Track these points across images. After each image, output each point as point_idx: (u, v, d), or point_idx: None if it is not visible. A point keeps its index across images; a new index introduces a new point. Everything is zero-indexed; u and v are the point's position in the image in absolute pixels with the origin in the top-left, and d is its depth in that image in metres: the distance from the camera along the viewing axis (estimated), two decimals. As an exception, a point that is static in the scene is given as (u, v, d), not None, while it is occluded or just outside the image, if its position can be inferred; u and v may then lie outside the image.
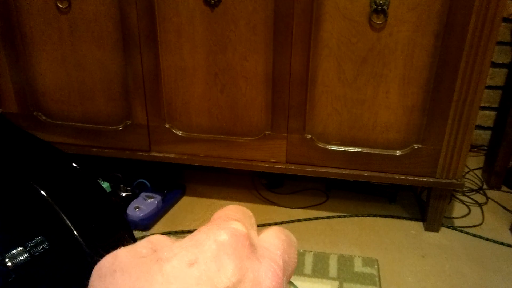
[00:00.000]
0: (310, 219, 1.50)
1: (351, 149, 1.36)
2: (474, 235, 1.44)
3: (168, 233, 1.40)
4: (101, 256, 0.20)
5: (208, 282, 0.18)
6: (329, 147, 1.37)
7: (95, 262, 0.20)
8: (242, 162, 1.43)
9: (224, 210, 0.23)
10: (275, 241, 0.23)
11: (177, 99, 1.39)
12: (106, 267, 0.20)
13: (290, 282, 0.25)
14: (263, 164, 1.42)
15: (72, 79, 1.42)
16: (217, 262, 0.19)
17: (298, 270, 1.26)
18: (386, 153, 1.35)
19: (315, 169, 1.40)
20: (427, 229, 1.46)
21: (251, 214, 0.25)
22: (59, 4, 1.31)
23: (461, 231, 1.46)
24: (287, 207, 1.56)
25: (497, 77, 1.81)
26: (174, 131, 1.43)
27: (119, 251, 0.20)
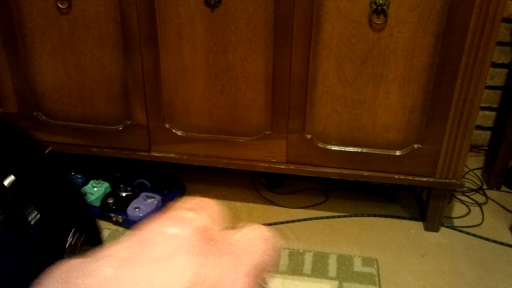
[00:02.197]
0: (310, 218, 1.50)
1: (351, 149, 1.37)
2: (474, 235, 1.44)
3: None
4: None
5: (151, 284, 0.15)
6: (329, 147, 1.37)
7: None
8: (242, 162, 1.43)
9: (183, 201, 0.20)
10: (251, 239, 0.20)
11: (177, 100, 1.39)
12: (53, 274, 0.17)
13: (265, 282, 0.22)
14: (263, 164, 1.42)
15: (72, 80, 1.42)
16: (165, 261, 0.16)
17: (298, 269, 1.26)
18: (386, 153, 1.35)
19: (315, 169, 1.40)
20: (427, 228, 1.46)
21: (214, 205, 0.21)
22: (59, 5, 1.31)
23: (460, 231, 1.46)
24: (286, 207, 1.56)
25: (497, 77, 1.81)
26: (174, 131, 1.43)
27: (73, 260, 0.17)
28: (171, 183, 1.61)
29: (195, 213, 0.18)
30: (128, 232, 0.16)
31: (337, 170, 1.39)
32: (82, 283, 0.15)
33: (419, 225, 1.49)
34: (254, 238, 0.21)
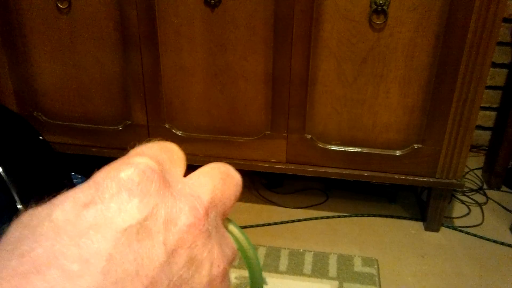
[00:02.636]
0: (310, 219, 1.50)
1: (351, 149, 1.36)
2: (474, 235, 1.44)
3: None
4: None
5: (106, 223, 0.16)
6: (329, 147, 1.37)
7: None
8: (242, 162, 1.43)
9: (139, 147, 0.20)
10: (203, 177, 0.20)
11: (176, 99, 1.39)
12: (19, 220, 0.17)
13: (228, 220, 0.22)
14: (263, 164, 1.42)
15: (72, 79, 1.42)
16: (117, 200, 0.16)
17: (298, 269, 1.26)
18: (386, 153, 1.35)
19: (315, 169, 1.40)
20: (427, 229, 1.46)
21: (175, 149, 0.22)
22: (59, 5, 1.31)
23: (461, 231, 1.46)
24: (286, 207, 1.56)
25: (498, 77, 1.81)
26: (174, 131, 1.43)
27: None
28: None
29: (147, 158, 0.18)
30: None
31: (337, 170, 1.39)
32: (38, 225, 0.16)
33: (419, 225, 1.49)
34: (208, 173, 0.21)
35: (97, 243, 0.15)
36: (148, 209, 0.17)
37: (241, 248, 0.22)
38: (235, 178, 0.23)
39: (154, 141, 0.21)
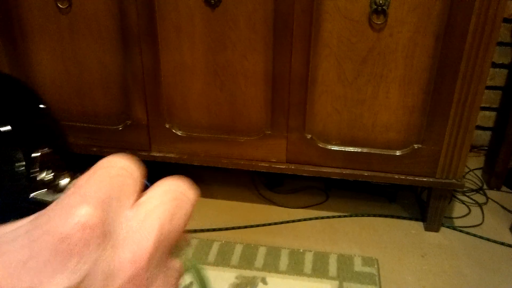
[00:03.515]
0: (310, 218, 1.50)
1: (351, 149, 1.36)
2: (474, 235, 1.44)
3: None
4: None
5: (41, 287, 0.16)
6: (329, 146, 1.37)
7: None
8: (242, 162, 1.43)
9: (87, 178, 0.19)
10: (152, 214, 0.20)
11: (176, 96, 1.39)
12: None
13: (178, 246, 0.22)
14: (263, 164, 1.42)
15: (72, 78, 1.42)
16: (53, 263, 0.16)
17: (298, 269, 1.26)
18: (386, 153, 1.35)
19: (315, 168, 1.40)
20: (427, 229, 1.46)
21: (130, 171, 0.20)
22: (59, 5, 1.32)
23: (461, 231, 1.46)
24: (287, 207, 1.56)
25: (498, 77, 1.81)
26: (174, 131, 1.43)
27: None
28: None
29: (90, 207, 0.18)
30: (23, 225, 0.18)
31: (337, 170, 1.39)
32: None
33: (419, 225, 1.49)
34: (156, 201, 0.20)
35: None
36: (86, 268, 0.17)
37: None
38: (189, 200, 0.22)
39: (106, 165, 0.20)
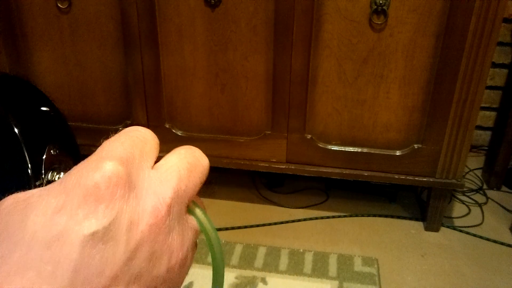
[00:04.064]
0: (310, 218, 1.51)
1: (351, 149, 1.37)
2: (474, 235, 1.44)
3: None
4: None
5: (74, 229, 0.18)
6: (330, 147, 1.38)
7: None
8: (242, 162, 1.43)
9: (111, 141, 0.22)
10: (170, 170, 0.22)
11: (177, 99, 1.39)
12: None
13: (194, 203, 0.24)
14: (263, 164, 1.42)
15: (72, 79, 1.42)
16: (84, 207, 0.18)
17: (298, 269, 1.26)
18: (386, 153, 1.35)
19: (315, 168, 1.40)
20: (427, 228, 1.46)
21: (148, 138, 0.23)
22: (59, 5, 1.32)
23: (461, 231, 1.46)
24: (287, 207, 1.56)
25: (498, 77, 1.81)
26: (174, 131, 1.43)
27: (19, 194, 0.20)
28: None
29: (115, 162, 0.20)
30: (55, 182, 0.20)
31: (338, 170, 1.40)
32: (14, 233, 0.18)
33: (419, 225, 1.49)
34: (175, 163, 0.23)
35: (67, 247, 0.17)
36: (113, 214, 0.18)
37: (204, 230, 0.24)
38: (202, 165, 0.24)
39: (128, 130, 0.23)
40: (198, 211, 0.24)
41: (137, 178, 0.20)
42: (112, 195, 0.19)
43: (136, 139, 0.22)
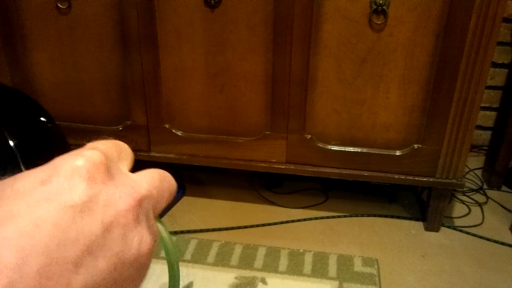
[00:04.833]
0: (310, 219, 1.50)
1: (350, 149, 1.36)
2: (474, 235, 1.44)
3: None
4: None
5: (57, 198, 0.19)
6: (329, 147, 1.37)
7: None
8: (241, 162, 1.43)
9: (95, 142, 0.24)
10: (144, 176, 0.24)
11: (176, 100, 1.39)
12: None
13: (158, 219, 0.25)
14: (262, 164, 1.42)
15: (71, 80, 1.42)
16: (69, 182, 0.20)
17: (298, 270, 1.26)
18: (386, 153, 1.35)
19: (315, 169, 1.40)
20: (427, 228, 1.46)
21: (125, 148, 0.26)
22: (59, 5, 1.31)
23: (461, 230, 1.46)
24: (286, 207, 1.56)
25: (498, 77, 1.81)
26: (173, 131, 1.43)
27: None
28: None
29: (98, 152, 0.22)
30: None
31: (337, 170, 1.39)
32: (1, 191, 0.19)
33: (419, 225, 1.49)
34: (149, 173, 0.25)
35: (48, 211, 0.19)
36: (92, 192, 0.20)
37: (163, 244, 0.26)
38: (171, 184, 0.27)
39: (109, 139, 0.25)
40: (162, 223, 0.26)
41: (115, 172, 0.23)
42: (94, 178, 0.21)
43: (116, 145, 0.25)
